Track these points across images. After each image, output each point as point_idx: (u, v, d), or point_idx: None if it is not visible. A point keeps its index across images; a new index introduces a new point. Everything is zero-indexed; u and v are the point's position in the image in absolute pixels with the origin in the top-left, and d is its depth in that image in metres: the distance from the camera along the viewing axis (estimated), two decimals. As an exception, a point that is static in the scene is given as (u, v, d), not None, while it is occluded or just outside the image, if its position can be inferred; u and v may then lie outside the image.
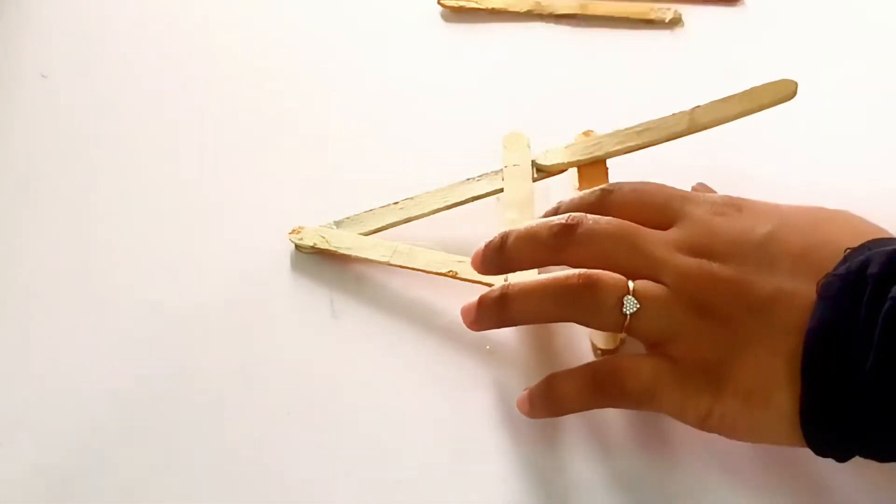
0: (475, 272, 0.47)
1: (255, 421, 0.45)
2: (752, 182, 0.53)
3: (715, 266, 0.42)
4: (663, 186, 0.46)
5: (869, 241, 0.40)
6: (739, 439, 0.41)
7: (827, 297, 0.39)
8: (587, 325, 0.45)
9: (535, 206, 0.51)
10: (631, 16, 0.62)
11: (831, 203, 0.44)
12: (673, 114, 0.54)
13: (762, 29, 0.62)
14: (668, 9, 0.62)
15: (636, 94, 0.59)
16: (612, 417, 0.45)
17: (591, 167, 0.53)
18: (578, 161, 0.53)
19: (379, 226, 0.51)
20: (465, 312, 0.46)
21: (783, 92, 0.54)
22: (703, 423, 0.41)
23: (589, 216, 0.44)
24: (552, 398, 0.44)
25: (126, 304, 0.49)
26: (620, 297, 0.42)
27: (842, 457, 0.39)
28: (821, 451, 0.39)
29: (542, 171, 0.53)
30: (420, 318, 0.49)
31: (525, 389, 0.44)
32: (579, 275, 0.43)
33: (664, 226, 0.44)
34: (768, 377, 0.40)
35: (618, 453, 0.44)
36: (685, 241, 0.43)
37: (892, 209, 0.44)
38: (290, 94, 0.59)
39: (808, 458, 0.40)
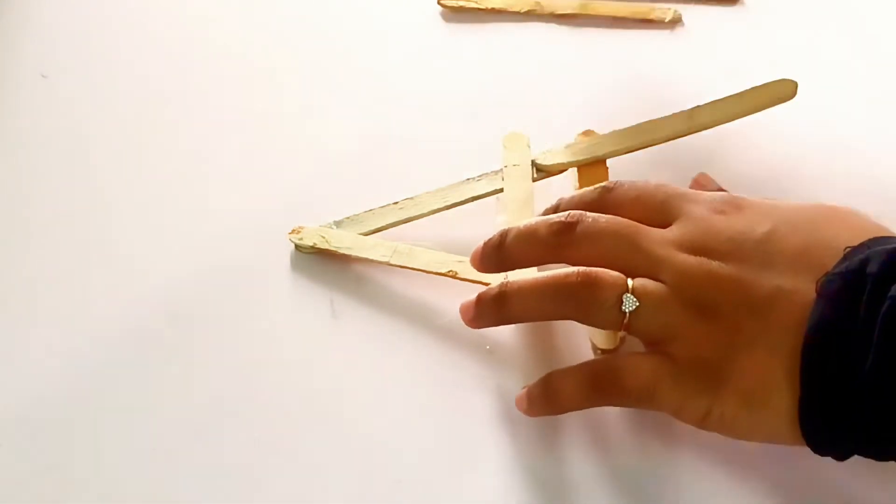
0: (475, 272, 0.47)
1: (256, 421, 0.45)
2: (751, 182, 0.53)
3: (714, 264, 0.42)
4: (663, 185, 0.46)
5: (869, 240, 0.40)
6: (739, 438, 0.41)
7: (826, 295, 0.39)
8: (586, 323, 0.45)
9: (535, 206, 0.51)
10: (631, 16, 0.62)
11: (831, 202, 0.44)
12: (673, 114, 0.54)
13: (762, 29, 0.62)
14: (668, 9, 0.62)
15: (636, 94, 0.59)
16: (612, 417, 0.45)
17: (591, 167, 0.53)
18: (578, 161, 0.53)
19: (379, 226, 0.51)
20: (464, 310, 0.46)
21: (783, 92, 0.54)
22: (703, 422, 0.41)
23: (588, 214, 0.44)
24: (551, 396, 0.44)
25: (126, 304, 0.49)
26: (619, 295, 0.42)
27: (841, 455, 0.39)
28: (820, 449, 0.39)
29: (542, 171, 0.53)
30: (420, 318, 0.49)
31: (524, 388, 0.44)
32: (578, 272, 0.43)
33: (664, 224, 0.44)
34: (767, 376, 0.40)
35: (618, 453, 0.44)
36: (685, 240, 0.43)
37: (892, 208, 0.44)
38: (290, 94, 0.59)
39: (808, 456, 0.40)
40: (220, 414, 0.45)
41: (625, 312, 0.42)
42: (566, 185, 0.53)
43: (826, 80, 0.58)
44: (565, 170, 0.53)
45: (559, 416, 0.45)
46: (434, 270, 0.49)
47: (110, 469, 0.44)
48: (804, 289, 0.40)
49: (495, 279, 0.46)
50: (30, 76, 0.59)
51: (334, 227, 0.51)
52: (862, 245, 0.40)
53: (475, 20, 0.63)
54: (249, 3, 0.64)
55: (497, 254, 0.45)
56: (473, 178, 0.53)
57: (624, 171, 0.53)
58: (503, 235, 0.45)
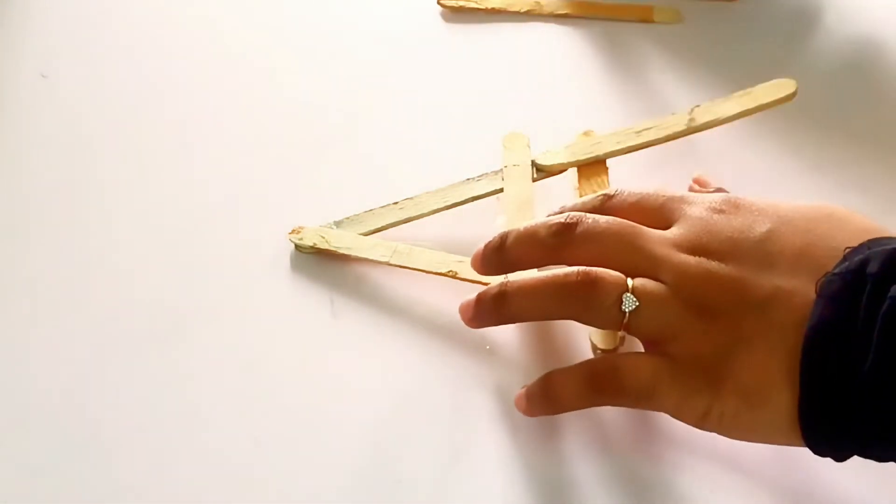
0: (475, 272, 0.47)
1: (256, 420, 0.45)
2: (751, 182, 0.53)
3: (714, 264, 0.42)
4: (662, 189, 0.46)
5: (868, 240, 0.40)
6: (738, 438, 0.41)
7: (826, 296, 0.39)
8: (586, 323, 0.45)
9: (535, 206, 0.51)
10: (631, 15, 0.62)
11: (831, 202, 0.44)
12: (672, 114, 0.54)
13: (762, 28, 0.62)
14: (668, 8, 0.62)
15: (636, 94, 0.59)
16: (612, 417, 0.45)
17: (591, 167, 0.53)
18: (578, 161, 0.53)
19: (379, 226, 0.51)
20: (464, 309, 0.46)
21: (783, 92, 0.54)
22: (702, 423, 0.41)
23: (588, 215, 0.44)
24: (550, 396, 0.44)
25: (126, 304, 0.49)
26: (619, 295, 0.42)
27: (840, 456, 0.39)
28: (819, 450, 0.39)
29: (542, 171, 0.53)
30: (420, 318, 0.49)
31: (523, 387, 0.44)
32: (578, 272, 0.43)
33: (663, 226, 0.44)
34: (767, 376, 0.39)
35: (617, 453, 0.44)
36: (684, 240, 0.43)
37: (892, 207, 0.44)
38: (290, 94, 0.59)
39: (807, 458, 0.40)
40: (220, 414, 0.45)
41: (624, 312, 0.42)
42: (566, 185, 0.53)
43: (826, 80, 0.58)
44: (565, 170, 0.53)
45: (559, 415, 0.45)
46: (434, 270, 0.49)
47: (109, 469, 0.44)
48: (804, 289, 0.40)
49: (495, 279, 0.46)
50: (30, 76, 0.59)
51: (334, 227, 0.51)
52: (861, 245, 0.40)
53: (475, 20, 0.63)
54: (249, 3, 0.64)
55: (497, 256, 0.45)
56: (473, 178, 0.53)
57: (624, 171, 0.53)
58: (503, 237, 0.45)
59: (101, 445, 0.44)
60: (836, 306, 0.38)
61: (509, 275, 0.46)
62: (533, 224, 0.45)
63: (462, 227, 0.51)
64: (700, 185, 0.51)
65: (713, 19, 0.62)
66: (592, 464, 0.44)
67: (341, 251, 0.50)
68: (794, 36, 0.61)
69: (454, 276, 0.49)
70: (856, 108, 0.58)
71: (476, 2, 0.63)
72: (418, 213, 0.51)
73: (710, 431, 0.41)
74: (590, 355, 0.46)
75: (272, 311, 0.49)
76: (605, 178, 0.52)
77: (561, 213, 0.45)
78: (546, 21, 0.63)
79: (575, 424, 0.45)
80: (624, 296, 0.42)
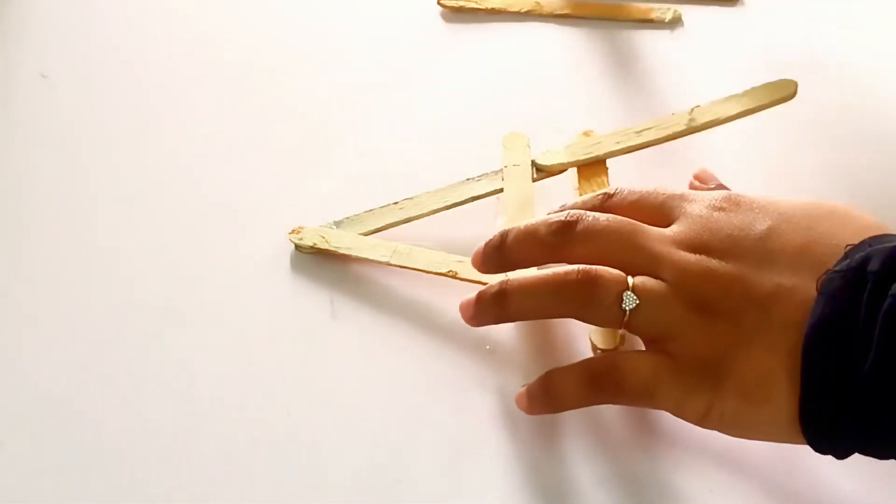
0: (475, 272, 0.47)
1: (256, 420, 0.45)
2: (751, 182, 0.53)
3: (714, 262, 0.42)
4: (662, 187, 0.46)
5: (869, 238, 0.40)
6: (739, 436, 0.41)
7: (827, 293, 0.39)
8: (586, 321, 0.45)
9: (535, 206, 0.51)
10: (631, 16, 0.63)
11: (831, 201, 0.44)
12: (672, 114, 0.54)
13: (762, 29, 0.62)
14: (668, 8, 0.62)
15: (636, 94, 0.59)
16: (612, 417, 0.45)
17: (591, 167, 0.53)
18: (578, 161, 0.53)
19: (379, 226, 0.51)
20: (464, 308, 0.46)
21: (783, 92, 0.54)
22: (703, 421, 0.41)
23: (588, 213, 0.44)
24: (550, 395, 0.44)
25: (126, 304, 0.49)
26: (619, 293, 0.42)
27: (840, 454, 0.39)
28: (820, 448, 0.39)
29: (542, 171, 0.53)
30: (420, 318, 0.49)
31: (523, 386, 0.44)
32: (578, 270, 0.43)
33: (664, 224, 0.44)
34: (768, 374, 0.39)
35: (618, 452, 0.44)
36: (684, 238, 0.43)
37: (891, 208, 0.44)
38: (290, 94, 0.59)
39: (808, 456, 0.40)
40: (219, 413, 0.45)
41: (625, 310, 0.42)
42: (566, 185, 0.53)
43: (825, 80, 0.58)
44: (565, 170, 0.53)
45: (559, 414, 0.45)
46: (434, 270, 0.49)
47: (110, 469, 0.44)
48: (804, 286, 0.40)
49: (495, 279, 0.46)
50: (30, 76, 0.59)
51: (334, 227, 0.51)
52: (862, 243, 0.40)
53: (475, 20, 0.63)
54: (249, 4, 0.64)
55: (498, 254, 0.45)
56: (473, 178, 0.53)
57: (624, 171, 0.53)
58: (503, 236, 0.45)
59: (101, 445, 0.44)
60: (836, 304, 0.38)
61: (509, 273, 0.46)
62: (533, 222, 0.45)
63: (462, 227, 0.51)
64: (701, 180, 0.51)
65: (713, 20, 0.62)
66: (592, 464, 0.44)
67: (341, 251, 0.50)
68: (794, 36, 0.61)
69: (454, 276, 0.49)
70: (856, 108, 0.58)
71: (476, 2, 0.63)
72: (418, 213, 0.51)
73: (711, 429, 0.41)
74: (590, 354, 0.46)
75: (272, 311, 0.49)
76: (604, 178, 0.52)
77: (561, 211, 0.45)
78: (546, 21, 0.63)
79: (575, 424, 0.45)
80: (624, 294, 0.42)
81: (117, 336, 0.48)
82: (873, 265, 0.38)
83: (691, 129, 0.53)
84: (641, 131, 0.53)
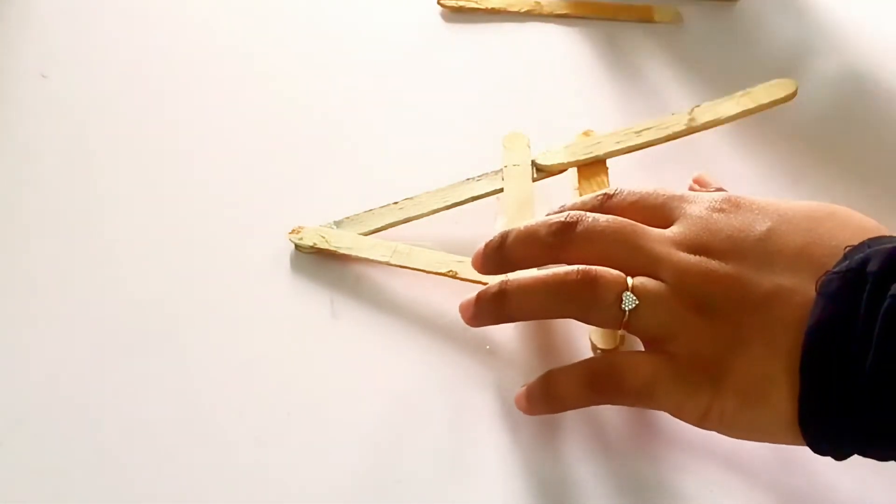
0: (475, 272, 0.47)
1: (255, 420, 0.45)
2: (751, 182, 0.53)
3: (714, 263, 0.42)
4: (662, 188, 0.46)
5: (869, 239, 0.40)
6: (738, 437, 0.41)
7: (826, 294, 0.39)
8: (586, 322, 0.45)
9: (535, 206, 0.51)
10: (631, 15, 0.62)
11: (831, 202, 0.44)
12: (672, 114, 0.54)
13: (762, 28, 0.62)
14: (668, 8, 0.62)
15: (636, 94, 0.59)
16: (612, 417, 0.45)
17: (591, 167, 0.53)
18: (578, 161, 0.53)
19: (379, 226, 0.51)
20: (464, 308, 0.46)
21: (783, 92, 0.54)
22: (702, 421, 0.41)
23: (588, 214, 0.44)
24: (550, 395, 0.44)
25: (126, 304, 0.49)
26: (619, 294, 0.42)
27: (840, 455, 0.39)
28: (819, 449, 0.39)
29: (542, 171, 0.53)
30: (420, 318, 0.49)
31: (523, 386, 0.44)
32: (578, 271, 0.43)
33: (663, 225, 0.44)
34: (767, 375, 0.39)
35: (617, 453, 0.44)
36: (684, 239, 0.43)
37: (892, 207, 0.44)
38: (290, 94, 0.59)
39: (807, 456, 0.40)
40: (220, 413, 0.45)
41: (624, 311, 0.42)
42: (566, 185, 0.53)
43: (826, 80, 0.58)
44: (565, 170, 0.53)
45: (559, 414, 0.45)
46: (434, 270, 0.49)
47: (110, 469, 0.44)
48: (804, 287, 0.40)
49: (495, 279, 0.46)
50: (30, 76, 0.59)
51: (334, 227, 0.51)
52: (861, 244, 0.40)
53: (475, 20, 0.63)
54: (249, 4, 0.64)
55: (498, 255, 0.45)
56: (473, 178, 0.53)
57: (624, 171, 0.53)
58: (503, 237, 0.45)
59: (101, 445, 0.44)
60: (836, 305, 0.38)
61: (509, 273, 0.46)
62: (533, 223, 0.45)
63: (462, 227, 0.51)
64: (700, 184, 0.51)
65: (713, 20, 0.62)
66: (592, 464, 0.44)
67: (341, 251, 0.50)
68: (794, 36, 0.62)
69: (454, 276, 0.49)
70: (856, 108, 0.58)
71: (476, 2, 0.63)
72: (418, 213, 0.51)
73: (711, 430, 0.41)
74: (590, 354, 0.46)
75: (272, 311, 0.49)
76: (604, 178, 0.52)
77: (561, 212, 0.45)
78: (546, 21, 0.63)
79: (575, 424, 0.45)
80: (624, 294, 0.42)
81: (117, 335, 0.48)
82: (872, 266, 0.38)
83: (691, 129, 0.53)
84: (641, 131, 0.53)
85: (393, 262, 0.50)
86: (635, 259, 0.43)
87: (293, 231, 0.51)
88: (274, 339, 0.48)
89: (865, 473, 0.42)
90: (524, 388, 0.44)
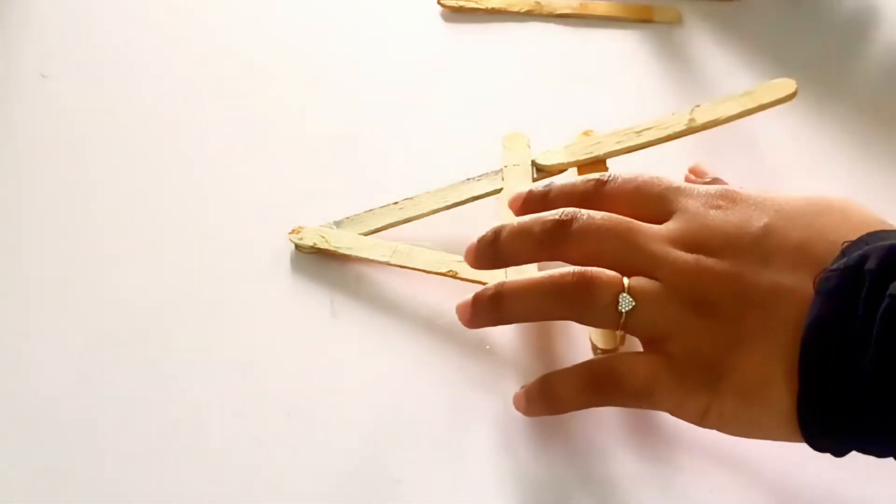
0: (475, 272, 0.47)
1: (255, 420, 0.45)
2: (751, 182, 0.53)
3: (711, 261, 0.41)
4: (658, 178, 0.45)
5: (867, 234, 0.40)
6: (738, 435, 0.41)
7: (824, 292, 0.39)
8: (583, 323, 0.45)
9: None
10: (631, 15, 0.62)
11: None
12: (672, 114, 0.54)
13: (762, 28, 0.62)
14: (668, 8, 0.62)
15: (636, 94, 0.59)
16: (612, 417, 0.45)
17: (591, 167, 0.53)
18: (578, 161, 0.53)
19: (379, 226, 0.51)
20: (460, 310, 0.45)
21: (783, 92, 0.54)
22: (702, 420, 0.41)
23: (583, 212, 0.44)
24: (549, 397, 0.44)
25: (126, 304, 0.49)
26: (616, 295, 0.42)
27: (839, 452, 0.39)
28: (818, 446, 0.39)
29: (542, 171, 0.53)
30: (420, 318, 0.49)
31: (521, 387, 0.44)
32: (574, 273, 0.42)
33: (659, 218, 0.44)
34: (766, 374, 0.39)
35: (617, 453, 0.44)
36: (680, 236, 0.43)
37: (893, 207, 0.44)
38: (290, 94, 0.59)
39: (807, 457, 0.40)
40: (219, 413, 0.45)
41: (621, 312, 0.41)
42: (566, 185, 0.53)
43: (826, 80, 0.58)
44: (565, 170, 0.53)
45: (559, 415, 0.45)
46: (434, 270, 0.49)
47: (110, 469, 0.44)
48: (802, 285, 0.40)
49: (494, 279, 0.46)
50: (30, 76, 0.59)
51: (334, 227, 0.51)
52: (859, 240, 0.40)
53: (475, 20, 0.63)
54: (249, 4, 0.64)
55: (491, 250, 0.45)
56: (473, 178, 0.53)
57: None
58: (497, 232, 0.45)
59: (101, 445, 0.44)
60: (834, 303, 0.38)
61: (509, 273, 0.46)
62: (527, 219, 0.44)
63: (462, 227, 0.51)
64: (696, 174, 0.51)
65: (713, 20, 0.62)
66: (592, 464, 0.44)
67: (341, 251, 0.50)
68: (794, 36, 0.61)
69: (454, 276, 0.49)
70: (856, 108, 0.58)
71: (476, 2, 0.63)
72: (418, 213, 0.51)
73: (710, 428, 0.41)
74: (590, 355, 0.46)
75: (272, 311, 0.49)
76: (604, 178, 0.52)
77: (549, 193, 0.45)
78: (546, 21, 0.63)
79: (575, 424, 0.45)
80: (620, 296, 0.41)
81: (116, 336, 0.48)
82: (871, 264, 0.38)
83: (691, 129, 0.53)
84: (641, 131, 0.53)
85: (393, 262, 0.49)
86: (631, 258, 0.42)
87: (293, 231, 0.51)
88: (274, 339, 0.48)
89: (865, 472, 0.41)
90: (523, 389, 0.44)
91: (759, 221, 0.42)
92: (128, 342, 0.48)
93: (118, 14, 0.63)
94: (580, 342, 0.47)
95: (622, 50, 0.61)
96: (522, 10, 0.63)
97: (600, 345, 0.46)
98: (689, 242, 0.42)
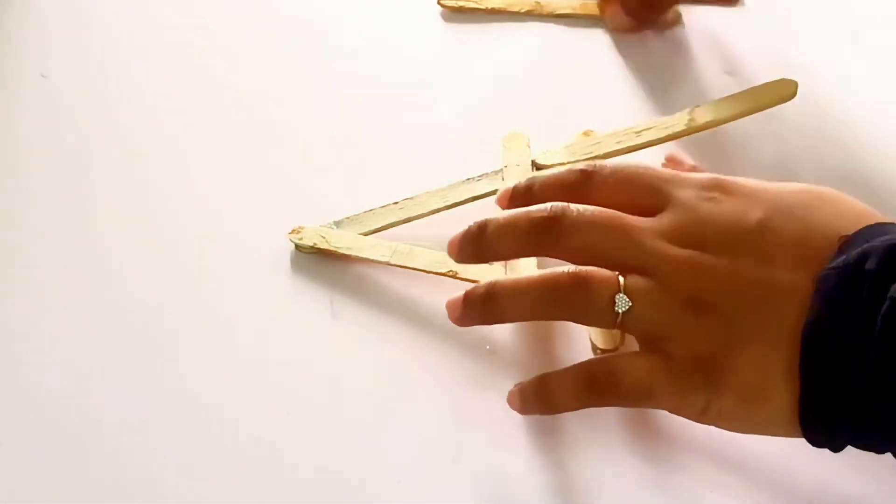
0: (475, 272, 0.47)
1: (255, 420, 0.45)
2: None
3: (707, 258, 0.41)
4: (646, 168, 0.44)
5: (865, 228, 0.40)
6: (737, 431, 0.41)
7: (824, 292, 0.38)
8: (578, 323, 0.45)
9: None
10: (631, 15, 0.62)
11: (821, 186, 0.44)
12: (672, 114, 0.54)
13: (762, 29, 0.62)
14: (668, 8, 0.62)
15: (636, 94, 0.59)
16: (612, 417, 0.45)
17: (591, 167, 0.53)
18: (578, 161, 0.53)
19: (379, 226, 0.51)
20: (451, 307, 0.44)
21: (783, 92, 0.54)
22: (701, 417, 0.41)
23: (572, 207, 0.42)
24: (546, 398, 0.43)
25: (126, 304, 0.49)
26: (612, 296, 0.41)
27: (837, 448, 0.39)
28: (817, 444, 0.39)
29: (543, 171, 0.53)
30: (420, 318, 0.49)
31: (516, 385, 0.44)
32: (569, 273, 0.42)
33: (650, 211, 0.42)
34: (765, 372, 0.39)
35: (618, 452, 0.44)
36: (675, 231, 0.42)
37: (892, 208, 0.44)
38: (291, 95, 0.59)
39: (807, 457, 0.40)
40: (219, 413, 0.45)
41: (618, 313, 0.41)
42: (566, 185, 0.53)
43: (826, 79, 0.58)
44: (565, 170, 0.53)
45: (559, 415, 0.44)
46: (434, 270, 0.49)
47: (110, 469, 0.44)
48: (801, 283, 0.39)
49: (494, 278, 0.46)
50: (30, 76, 0.59)
51: (334, 227, 0.51)
52: (858, 234, 0.39)
53: (475, 20, 0.63)
54: (249, 4, 0.64)
55: (476, 245, 0.44)
56: (473, 178, 0.53)
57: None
58: (482, 227, 0.44)
59: (101, 445, 0.44)
60: (834, 303, 0.38)
61: (509, 269, 0.46)
62: (514, 214, 0.43)
63: (462, 228, 0.51)
64: (673, 162, 0.51)
65: (713, 20, 0.62)
66: (592, 463, 0.44)
67: (341, 251, 0.50)
68: (794, 36, 0.61)
69: (454, 276, 0.49)
70: (856, 108, 0.58)
71: (476, 2, 0.63)
72: (418, 213, 0.51)
73: (710, 425, 0.41)
74: (590, 354, 0.46)
75: (272, 311, 0.49)
76: (605, 178, 0.52)
77: (531, 187, 0.44)
78: (546, 21, 0.63)
79: (575, 424, 0.45)
80: (617, 296, 0.41)
81: (117, 336, 0.48)
82: (871, 264, 0.38)
83: (691, 129, 0.53)
84: (641, 131, 0.53)
85: (393, 262, 0.50)
86: (625, 255, 0.41)
87: (293, 231, 0.51)
88: (274, 339, 0.48)
89: (865, 471, 0.42)
90: (517, 386, 0.44)
91: (755, 214, 0.41)
92: (128, 342, 0.48)
93: (118, 14, 0.63)
94: (580, 342, 0.47)
95: (622, 50, 0.61)
96: (522, 10, 0.63)
97: (600, 345, 0.46)
98: (683, 237, 0.41)
